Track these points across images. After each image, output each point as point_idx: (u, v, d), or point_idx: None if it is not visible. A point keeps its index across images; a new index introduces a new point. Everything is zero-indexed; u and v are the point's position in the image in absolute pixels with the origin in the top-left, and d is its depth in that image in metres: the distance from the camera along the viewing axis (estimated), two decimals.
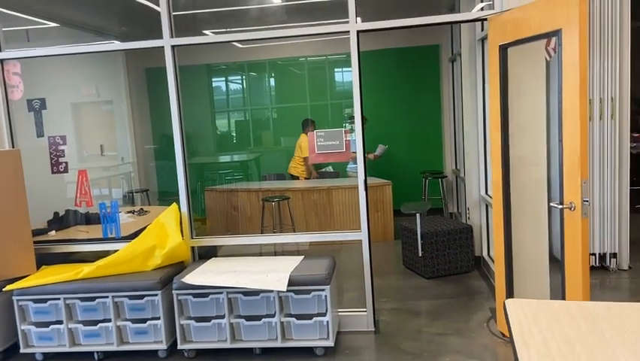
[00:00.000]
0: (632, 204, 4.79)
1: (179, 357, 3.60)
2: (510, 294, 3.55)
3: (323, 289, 3.45)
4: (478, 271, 5.02)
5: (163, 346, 3.57)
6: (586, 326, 1.52)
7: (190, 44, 3.85)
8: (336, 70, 8.21)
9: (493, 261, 4.86)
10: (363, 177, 3.75)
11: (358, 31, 3.64)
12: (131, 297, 3.56)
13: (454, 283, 4.75)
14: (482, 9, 4.62)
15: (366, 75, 7.88)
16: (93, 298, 3.58)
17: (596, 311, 1.64)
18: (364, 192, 3.75)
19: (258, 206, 6.43)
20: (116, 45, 4.32)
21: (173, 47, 3.79)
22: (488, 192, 4.95)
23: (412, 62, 7.69)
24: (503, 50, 3.37)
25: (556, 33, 2.83)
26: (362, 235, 3.81)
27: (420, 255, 4.91)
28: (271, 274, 3.46)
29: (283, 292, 3.40)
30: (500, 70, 3.39)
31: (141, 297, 3.56)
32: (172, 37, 3.78)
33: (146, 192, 7.41)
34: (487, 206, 5.01)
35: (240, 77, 8.78)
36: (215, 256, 4.11)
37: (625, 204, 4.68)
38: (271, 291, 3.44)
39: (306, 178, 6.92)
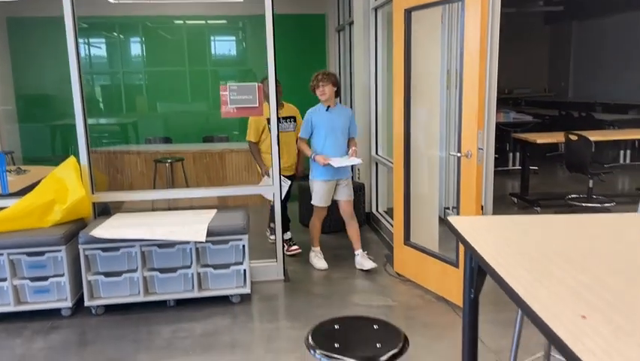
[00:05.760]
0: None
1: (86, 314, 3.43)
2: (407, 239, 3.94)
3: (241, 239, 3.52)
4: (368, 225, 5.42)
5: (68, 303, 3.38)
6: (534, 233, 1.83)
7: None
8: (215, 37, 8.06)
9: (382, 216, 5.29)
10: (276, 132, 3.85)
11: None
12: (30, 254, 3.30)
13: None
14: None
15: (249, 41, 7.87)
16: None
17: (524, 222, 1.96)
18: (277, 146, 3.87)
19: (145, 169, 6.18)
20: None
21: None
22: (378, 153, 5.34)
23: (297, 30, 7.82)
24: (407, 13, 3.67)
25: None
26: (274, 189, 3.93)
27: None
28: (188, 226, 3.44)
29: (201, 242, 3.41)
30: (405, 33, 3.70)
31: (42, 253, 3.31)
32: None
33: (11, 155, 6.67)
34: (377, 165, 5.41)
35: (112, 36, 8.19)
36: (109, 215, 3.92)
37: (490, 169, 5.37)
38: (188, 242, 3.43)
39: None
